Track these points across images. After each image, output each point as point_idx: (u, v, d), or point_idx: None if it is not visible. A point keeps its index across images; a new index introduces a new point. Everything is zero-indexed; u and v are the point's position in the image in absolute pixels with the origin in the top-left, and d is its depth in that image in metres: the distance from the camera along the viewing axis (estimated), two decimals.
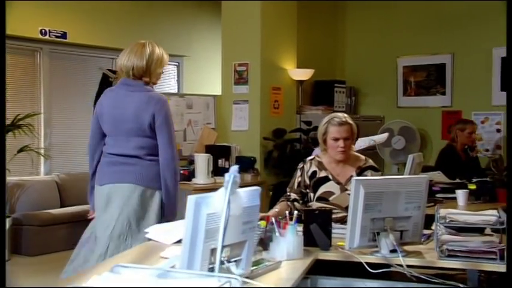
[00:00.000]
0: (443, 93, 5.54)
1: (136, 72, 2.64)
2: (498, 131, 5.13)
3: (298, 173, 2.84)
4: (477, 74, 5.28)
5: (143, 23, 6.42)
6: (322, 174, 2.78)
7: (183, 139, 4.95)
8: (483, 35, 5.22)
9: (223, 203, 1.43)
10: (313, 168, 2.81)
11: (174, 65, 6.95)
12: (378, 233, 2.14)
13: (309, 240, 2.24)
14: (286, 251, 2.01)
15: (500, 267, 1.99)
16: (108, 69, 4.33)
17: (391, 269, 2.10)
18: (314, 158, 2.86)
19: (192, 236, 1.46)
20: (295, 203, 2.79)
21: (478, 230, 2.19)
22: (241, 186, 4.57)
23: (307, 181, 2.80)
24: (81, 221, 5.27)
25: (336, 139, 2.72)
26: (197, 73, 7.02)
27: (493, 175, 3.65)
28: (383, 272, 2.09)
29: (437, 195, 3.77)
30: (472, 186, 3.70)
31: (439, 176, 4.01)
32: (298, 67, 5.49)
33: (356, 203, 2.10)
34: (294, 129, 5.25)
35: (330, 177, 2.76)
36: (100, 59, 6.01)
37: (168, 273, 1.40)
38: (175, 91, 6.87)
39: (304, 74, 5.41)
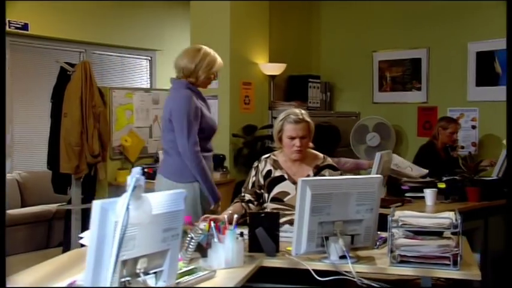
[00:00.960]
0: (419, 89, 5.41)
1: (185, 72, 2.91)
2: (473, 127, 5.01)
3: (253, 172, 2.68)
4: (452, 69, 5.15)
5: (113, 16, 6.22)
6: (277, 173, 2.62)
7: (148, 136, 4.77)
8: (458, 29, 5.09)
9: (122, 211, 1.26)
10: (268, 167, 2.66)
11: (146, 59, 6.75)
12: (327, 238, 2.00)
13: (254, 246, 2.09)
14: (225, 259, 1.86)
15: (453, 274, 1.86)
16: (66, 63, 4.14)
17: (340, 276, 1.96)
18: (269, 156, 2.71)
19: (98, 247, 1.30)
20: (250, 204, 2.64)
21: (437, 233, 2.06)
22: None
23: (262, 181, 2.64)
24: (42, 222, 5.12)
25: (292, 138, 2.57)
26: (170, 67, 6.82)
27: (462, 173, 3.52)
28: (335, 279, 1.95)
29: (406, 195, 3.65)
30: (442, 185, 3.57)
31: (405, 164, 3.87)
32: (270, 61, 5.33)
33: (302, 205, 1.95)
34: (265, 126, 5.09)
35: (286, 176, 2.61)
36: (66, 53, 5.79)
37: None
38: (148, 86, 6.68)
39: (276, 69, 5.24)
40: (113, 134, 4.45)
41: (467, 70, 4.99)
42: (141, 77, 6.75)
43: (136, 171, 1.29)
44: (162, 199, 1.45)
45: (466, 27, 5.02)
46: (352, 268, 1.93)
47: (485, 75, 4.88)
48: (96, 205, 1.30)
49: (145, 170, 4.49)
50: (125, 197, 1.28)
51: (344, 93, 5.94)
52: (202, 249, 1.93)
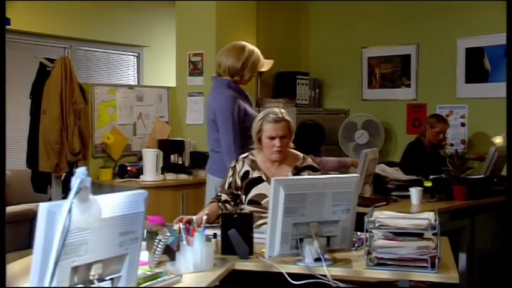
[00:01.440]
0: (408, 86, 5.34)
1: (230, 71, 2.99)
2: (463, 124, 4.94)
3: (230, 172, 2.60)
4: (442, 65, 5.08)
5: (99, 11, 6.11)
6: (255, 174, 2.53)
7: (132, 133, 4.68)
8: (448, 25, 5.02)
9: (66, 214, 1.18)
10: (246, 167, 2.57)
11: (133, 55, 6.65)
12: (302, 240, 1.92)
13: (227, 248, 2.02)
14: (193, 262, 1.78)
15: (430, 277, 1.79)
16: (46, 58, 4.03)
17: (315, 280, 1.88)
18: (247, 156, 2.62)
19: (44, 252, 1.21)
20: (227, 205, 2.56)
21: (418, 234, 1.99)
22: (194, 184, 4.28)
23: (239, 182, 2.55)
24: (24, 221, 5.03)
25: (272, 137, 2.48)
26: (158, 64, 6.73)
27: (449, 172, 3.45)
28: (309, 283, 1.88)
29: (393, 194, 3.58)
30: (428, 184, 3.50)
31: (392, 170, 3.81)
32: None
33: (276, 206, 1.88)
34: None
35: (264, 178, 2.53)
36: (50, 48, 5.68)
37: None
38: (135, 82, 6.58)
39: (263, 65, 5.15)
40: (95, 132, 4.36)
41: (457, 67, 4.92)
42: (128, 74, 6.65)
43: (81, 171, 1.21)
44: (119, 201, 1.37)
45: (456, 23, 4.95)
46: (327, 271, 1.86)
47: (475, 72, 4.81)
48: (43, 208, 1.21)
49: (129, 168, 4.42)
50: (68, 200, 1.19)
51: (333, 90, 5.86)
52: (171, 252, 1.85)
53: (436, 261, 1.80)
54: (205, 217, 1.94)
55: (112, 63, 6.48)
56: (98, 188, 4.31)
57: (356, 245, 2.11)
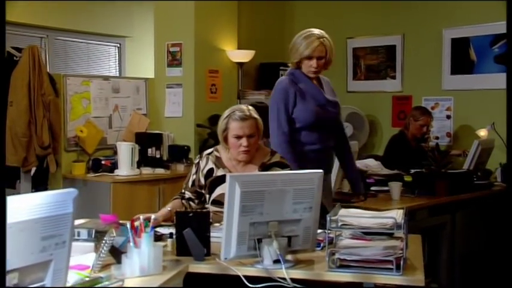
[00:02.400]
0: (394, 77, 5.21)
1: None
2: (448, 117, 4.82)
3: (193, 169, 2.46)
4: (427, 56, 4.95)
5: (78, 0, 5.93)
6: (220, 172, 2.39)
7: (108, 126, 4.53)
8: (433, 14, 4.88)
9: None
10: (210, 165, 2.43)
11: (115, 46, 6.48)
12: (260, 240, 1.80)
13: (182, 249, 1.89)
14: (140, 266, 1.65)
15: (395, 279, 1.67)
16: (13, 47, 3.88)
17: (274, 283, 1.76)
18: (212, 152, 2.47)
19: None
20: (191, 203, 2.43)
21: (388, 233, 1.87)
22: (172, 178, 4.05)
23: (202, 181, 2.42)
24: None
25: (238, 137, 2.34)
26: (140, 55, 6.56)
27: (429, 166, 3.33)
28: (267, 286, 1.75)
29: (372, 188, 3.46)
30: (408, 178, 3.39)
31: (375, 165, 3.68)
32: (239, 48, 5.10)
33: (231, 204, 1.75)
34: None
35: None
36: (26, 38, 5.48)
37: None
38: (116, 74, 6.41)
39: (244, 56, 5.02)
40: (67, 124, 4.20)
41: (442, 57, 4.79)
42: (109, 65, 6.48)
43: None
44: (41, 201, 1.23)
45: (441, 13, 4.82)
46: (286, 274, 1.74)
47: (460, 63, 4.68)
48: None
49: (103, 162, 4.28)
50: None
51: None
52: (117, 255, 1.72)
53: (402, 262, 1.68)
54: (153, 216, 1.81)
55: (92, 54, 6.31)
56: (70, 182, 4.19)
57: (322, 244, 1.98)
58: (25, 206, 1.19)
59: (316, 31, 2.71)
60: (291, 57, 2.76)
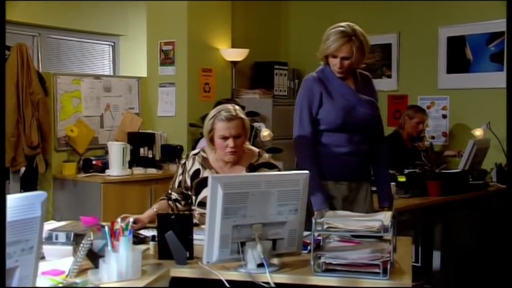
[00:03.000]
0: (389, 76, 5.16)
1: None
2: (444, 116, 4.76)
3: (180, 170, 2.40)
4: (423, 55, 4.89)
5: None
6: (206, 173, 2.33)
7: (99, 126, 4.47)
8: (429, 12, 4.83)
9: None
10: (196, 166, 2.37)
11: (109, 44, 6.42)
12: (244, 244, 1.74)
13: (164, 252, 1.83)
14: (117, 270, 1.59)
15: (382, 283, 1.61)
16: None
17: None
18: (198, 153, 2.42)
19: None
20: (178, 204, 2.37)
21: (375, 236, 1.81)
22: (164, 178, 3.93)
23: (189, 182, 2.36)
24: None
25: (225, 137, 2.27)
26: (135, 54, 6.50)
27: (423, 166, 3.27)
28: None
29: None
30: (402, 179, 3.33)
31: None
32: (233, 47, 5.04)
33: (213, 206, 1.69)
34: None
35: None
36: (17, 36, 5.43)
37: None
38: (110, 73, 6.35)
39: (238, 55, 4.96)
40: (57, 124, 4.15)
41: (438, 56, 4.73)
42: (103, 64, 6.42)
43: None
44: (6, 205, 1.17)
45: (437, 11, 4.76)
46: (270, 278, 1.68)
47: (456, 62, 4.62)
48: None
49: (94, 162, 4.22)
50: None
51: None
52: (95, 259, 1.66)
53: (389, 266, 1.62)
54: (131, 219, 1.75)
55: (86, 53, 6.25)
56: (60, 183, 4.14)
57: (309, 247, 1.93)
58: None
59: (348, 27, 2.44)
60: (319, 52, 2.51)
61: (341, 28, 2.44)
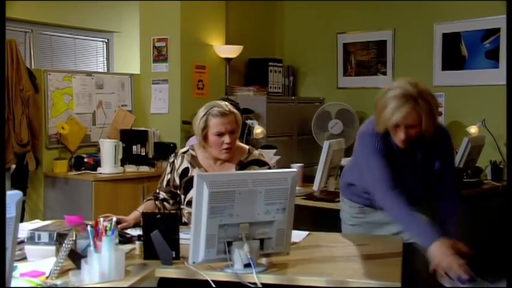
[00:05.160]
0: (385, 73, 5.12)
1: None
2: (439, 114, 4.73)
3: (168, 169, 2.36)
4: (418, 51, 4.86)
5: None
6: (195, 172, 2.28)
7: (91, 123, 4.43)
8: (424, 9, 4.79)
9: None
10: (185, 164, 2.33)
11: (102, 41, 6.36)
12: (230, 243, 1.70)
13: (149, 252, 1.79)
14: (100, 271, 1.55)
15: (371, 283, 1.58)
16: None
17: None
18: (187, 151, 2.38)
19: None
20: (165, 203, 2.33)
21: None
22: (156, 176, 3.89)
23: (177, 180, 2.32)
24: None
25: (220, 134, 2.23)
26: (129, 51, 6.44)
27: None
28: None
29: None
30: None
31: None
32: (227, 43, 5.00)
33: (199, 205, 1.66)
34: None
35: None
36: (10, 33, 5.32)
37: None
38: (104, 70, 6.30)
39: (232, 51, 4.91)
40: (48, 121, 4.10)
41: (433, 53, 4.70)
42: (97, 61, 6.36)
43: None
44: None
45: (432, 8, 4.72)
46: (257, 278, 1.65)
47: (451, 59, 4.59)
48: None
49: (85, 159, 4.17)
50: None
51: (308, 78, 5.63)
52: (77, 259, 1.62)
53: None
54: (114, 219, 1.71)
55: (79, 49, 6.18)
56: (52, 181, 4.09)
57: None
58: None
59: (410, 87, 2.03)
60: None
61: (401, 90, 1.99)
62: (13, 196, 1.22)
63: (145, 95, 4.80)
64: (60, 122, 4.14)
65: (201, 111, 2.29)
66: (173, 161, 2.36)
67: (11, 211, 1.21)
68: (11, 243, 1.21)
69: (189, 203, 2.27)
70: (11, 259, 1.21)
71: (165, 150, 4.60)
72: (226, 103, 2.31)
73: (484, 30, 4.37)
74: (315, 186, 3.24)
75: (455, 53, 4.56)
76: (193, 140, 2.79)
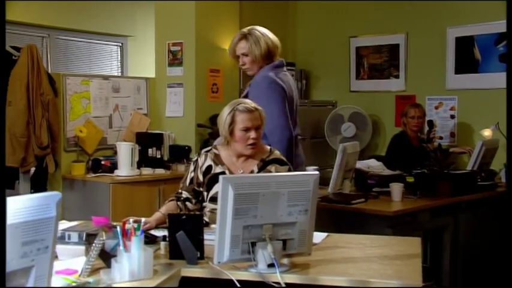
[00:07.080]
0: (397, 77, 5.15)
1: None
2: (452, 117, 4.75)
3: (191, 167, 2.42)
4: (431, 55, 4.88)
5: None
6: (218, 169, 2.35)
7: (108, 126, 4.50)
8: (438, 13, 4.82)
9: None
10: (209, 162, 2.39)
11: (117, 45, 6.46)
12: (254, 244, 1.75)
13: (175, 252, 1.85)
14: (129, 270, 1.61)
15: (392, 283, 1.62)
16: (12, 47, 3.85)
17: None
18: (210, 149, 2.44)
19: None
20: (188, 203, 2.38)
21: None
22: (172, 179, 3.93)
23: (201, 178, 2.38)
24: None
25: (247, 129, 2.28)
26: (143, 55, 6.52)
27: (431, 167, 3.27)
28: None
29: (374, 189, 3.40)
30: (410, 179, 3.32)
31: (377, 165, 3.63)
32: None
33: (224, 206, 1.71)
34: None
35: (227, 173, 2.35)
36: (26, 37, 5.46)
37: None
38: (118, 73, 6.39)
39: None
40: (66, 124, 4.18)
41: (446, 56, 4.72)
42: (111, 65, 6.45)
43: None
44: (22, 205, 1.19)
45: (445, 11, 4.75)
46: (281, 278, 1.69)
47: (465, 62, 4.62)
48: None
49: (102, 162, 4.24)
50: None
51: (320, 81, 5.67)
52: (107, 258, 1.68)
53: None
54: (143, 220, 1.76)
55: (94, 53, 6.29)
56: (70, 183, 4.17)
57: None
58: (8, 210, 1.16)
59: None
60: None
61: None
62: (53, 197, 1.27)
63: (161, 98, 4.87)
64: (78, 125, 4.22)
65: (227, 109, 2.35)
66: (196, 160, 2.42)
67: (52, 211, 1.26)
68: (52, 242, 1.27)
69: (212, 199, 2.33)
70: (51, 257, 1.27)
71: (180, 153, 4.67)
72: (249, 101, 2.37)
73: (497, 33, 4.39)
74: (330, 189, 3.28)
75: (469, 56, 4.58)
76: (218, 141, 2.86)
